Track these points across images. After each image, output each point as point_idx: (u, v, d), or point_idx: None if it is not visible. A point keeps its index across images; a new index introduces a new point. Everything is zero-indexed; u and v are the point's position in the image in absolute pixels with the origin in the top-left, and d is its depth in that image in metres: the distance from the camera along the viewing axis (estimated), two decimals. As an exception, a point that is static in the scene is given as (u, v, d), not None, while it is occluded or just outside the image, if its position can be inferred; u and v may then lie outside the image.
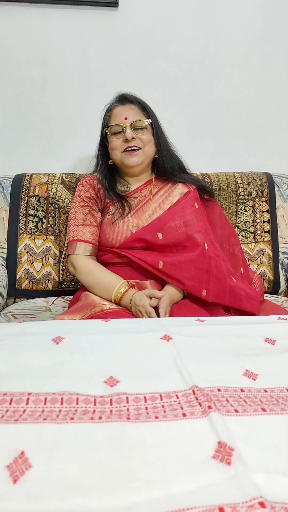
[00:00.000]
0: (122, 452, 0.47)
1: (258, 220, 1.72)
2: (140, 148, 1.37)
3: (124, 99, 1.42)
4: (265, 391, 0.62)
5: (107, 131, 1.40)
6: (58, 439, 0.49)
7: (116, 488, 0.42)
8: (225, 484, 0.42)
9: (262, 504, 0.38)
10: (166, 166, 1.44)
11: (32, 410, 0.56)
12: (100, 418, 0.54)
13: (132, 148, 1.36)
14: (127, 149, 1.36)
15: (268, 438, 0.50)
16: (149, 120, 1.39)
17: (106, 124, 1.42)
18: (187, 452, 0.47)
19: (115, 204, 1.38)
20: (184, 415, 0.54)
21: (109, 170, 1.46)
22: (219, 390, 0.62)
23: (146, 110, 1.41)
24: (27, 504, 0.40)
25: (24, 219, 1.66)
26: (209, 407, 0.55)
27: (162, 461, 0.46)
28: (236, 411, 0.55)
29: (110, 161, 1.44)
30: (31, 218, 1.66)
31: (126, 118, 1.36)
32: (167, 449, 0.48)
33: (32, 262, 1.64)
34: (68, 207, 1.64)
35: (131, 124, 1.36)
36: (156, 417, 0.54)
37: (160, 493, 0.41)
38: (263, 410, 0.56)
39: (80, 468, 0.45)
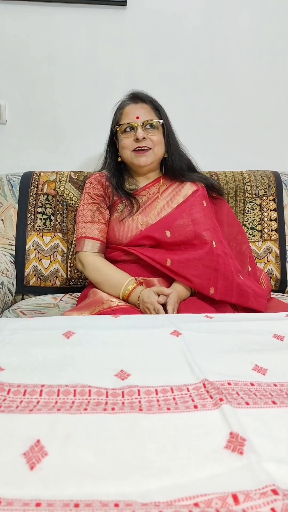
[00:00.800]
0: (136, 442, 0.48)
1: (265, 219, 1.72)
2: (150, 149, 1.37)
3: (136, 97, 1.41)
4: (275, 385, 0.63)
5: (117, 129, 1.40)
6: (72, 429, 0.50)
7: (131, 476, 0.43)
8: (238, 472, 0.42)
9: (275, 492, 0.39)
10: (175, 166, 1.44)
11: (45, 401, 0.57)
12: (113, 409, 0.55)
13: (142, 148, 1.35)
14: (137, 149, 1.36)
15: (280, 430, 0.51)
16: (161, 120, 1.38)
17: (117, 122, 1.41)
18: (199, 442, 0.48)
19: (123, 201, 1.39)
20: (195, 407, 0.55)
21: (117, 168, 1.46)
22: (229, 384, 0.63)
23: (158, 110, 1.40)
24: (44, 490, 0.41)
25: (32, 216, 1.67)
26: (221, 400, 0.55)
27: (176, 450, 0.47)
28: (247, 403, 0.56)
29: (119, 159, 1.44)
30: (39, 216, 1.67)
31: (138, 117, 1.35)
32: (180, 439, 0.49)
33: (40, 259, 1.65)
34: (76, 205, 1.65)
35: (143, 123, 1.35)
36: (168, 409, 0.55)
37: (174, 480, 0.42)
38: (274, 403, 0.57)
39: (95, 457, 0.46)
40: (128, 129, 1.37)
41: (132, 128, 1.36)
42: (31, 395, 0.59)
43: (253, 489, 0.39)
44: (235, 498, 0.38)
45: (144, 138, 1.34)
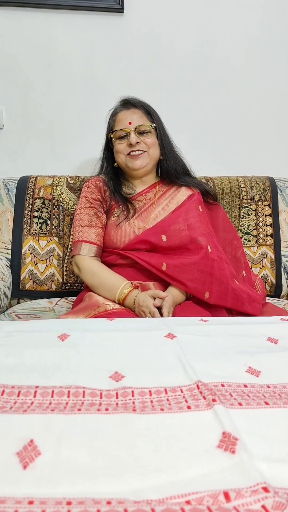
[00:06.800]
0: (129, 441, 0.48)
1: (260, 224, 1.73)
2: (145, 151, 1.38)
3: (128, 103, 1.43)
4: (268, 386, 0.63)
5: (111, 136, 1.42)
6: (66, 429, 0.51)
7: (124, 474, 0.43)
8: (229, 471, 0.43)
9: (265, 489, 0.39)
10: (170, 169, 1.45)
11: (39, 402, 0.58)
12: (106, 409, 0.55)
13: (136, 152, 1.37)
14: (131, 153, 1.37)
15: (272, 430, 0.51)
16: (153, 124, 1.41)
17: (110, 128, 1.44)
18: (192, 441, 0.48)
19: (120, 206, 1.40)
20: (189, 407, 0.56)
21: (114, 172, 1.47)
22: (222, 385, 0.63)
23: (150, 114, 1.43)
24: (37, 489, 0.41)
25: (28, 220, 1.67)
26: (214, 400, 0.56)
27: (168, 449, 0.47)
28: (240, 404, 0.57)
29: (115, 164, 1.46)
30: (35, 220, 1.67)
31: (130, 123, 1.38)
32: (172, 439, 0.49)
33: (36, 263, 1.65)
34: (73, 209, 1.66)
35: (135, 128, 1.37)
36: (162, 409, 0.55)
37: (167, 479, 0.42)
38: (266, 403, 0.57)
39: (88, 456, 0.46)
40: (121, 135, 1.39)
41: (126, 134, 1.38)
42: (25, 396, 0.59)
43: (244, 487, 0.40)
44: (226, 495, 0.39)
45: (137, 142, 1.36)
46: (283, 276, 1.71)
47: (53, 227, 1.67)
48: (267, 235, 1.73)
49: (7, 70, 1.84)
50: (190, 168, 1.53)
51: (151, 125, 1.40)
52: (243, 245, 1.66)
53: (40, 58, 1.85)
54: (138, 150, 1.37)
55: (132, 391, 0.61)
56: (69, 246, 1.66)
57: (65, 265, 1.66)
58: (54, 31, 1.84)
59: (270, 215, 1.74)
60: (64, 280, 1.65)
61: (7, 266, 1.62)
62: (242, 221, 1.73)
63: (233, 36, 1.91)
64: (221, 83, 1.94)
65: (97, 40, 1.86)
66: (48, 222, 1.67)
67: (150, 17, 1.86)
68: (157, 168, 1.49)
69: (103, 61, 1.87)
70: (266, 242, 1.72)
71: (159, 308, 1.19)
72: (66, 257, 1.66)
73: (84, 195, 1.44)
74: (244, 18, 1.91)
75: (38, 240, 1.66)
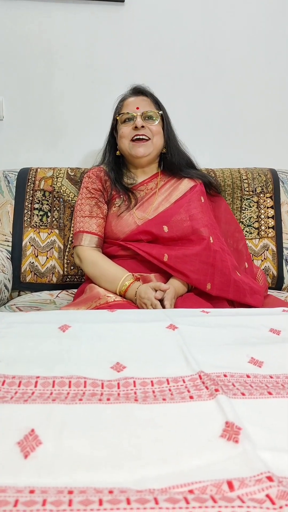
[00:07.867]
0: (130, 431, 0.48)
1: (262, 216, 1.72)
2: (149, 139, 1.38)
3: (138, 91, 1.45)
4: (271, 377, 0.63)
5: (117, 118, 1.42)
6: (67, 418, 0.50)
7: (126, 464, 0.42)
8: (233, 460, 0.42)
9: (270, 478, 0.39)
10: (174, 161, 1.45)
11: (40, 392, 0.57)
12: (108, 399, 0.55)
13: (141, 137, 1.36)
14: (136, 137, 1.36)
15: (275, 420, 0.51)
16: (160, 112, 1.41)
17: (117, 112, 1.44)
18: (195, 431, 0.48)
19: (121, 196, 1.39)
20: (191, 397, 0.55)
21: (116, 162, 1.46)
22: (225, 375, 0.63)
23: (158, 104, 1.44)
24: (38, 478, 0.41)
25: (29, 212, 1.66)
26: (216, 390, 0.55)
27: (171, 439, 0.46)
28: (243, 394, 0.56)
29: (118, 153, 1.45)
30: (36, 212, 1.67)
31: (137, 108, 1.38)
32: (175, 429, 0.48)
33: (37, 256, 1.64)
34: (73, 201, 1.65)
35: (142, 113, 1.37)
36: (164, 399, 0.55)
37: (170, 468, 0.42)
38: (269, 393, 0.57)
39: (90, 446, 0.46)
40: (127, 118, 1.39)
41: (132, 118, 1.38)
42: (26, 386, 0.59)
43: (248, 476, 0.39)
44: (230, 485, 0.38)
45: (143, 126, 1.36)
46: (285, 269, 1.70)
47: (53, 219, 1.66)
48: (268, 227, 1.72)
49: (8, 60, 1.83)
50: (196, 162, 1.52)
51: (158, 113, 1.40)
52: (245, 237, 1.66)
53: (41, 48, 1.83)
54: (142, 135, 1.36)
55: (134, 381, 0.60)
56: (70, 238, 1.65)
57: (65, 257, 1.65)
58: (55, 21, 1.82)
59: (272, 207, 1.73)
60: (65, 272, 1.65)
61: (8, 258, 1.62)
62: (243, 213, 1.72)
63: (235, 26, 1.89)
64: (223, 74, 1.92)
65: (97, 31, 1.84)
66: (49, 214, 1.67)
67: (150, 7, 1.84)
68: (159, 160, 1.48)
69: (103, 52, 1.86)
70: (267, 234, 1.71)
71: (161, 301, 1.18)
72: (67, 250, 1.65)
73: (85, 185, 1.43)
74: (246, 8, 1.88)
75: (39, 232, 1.66)
